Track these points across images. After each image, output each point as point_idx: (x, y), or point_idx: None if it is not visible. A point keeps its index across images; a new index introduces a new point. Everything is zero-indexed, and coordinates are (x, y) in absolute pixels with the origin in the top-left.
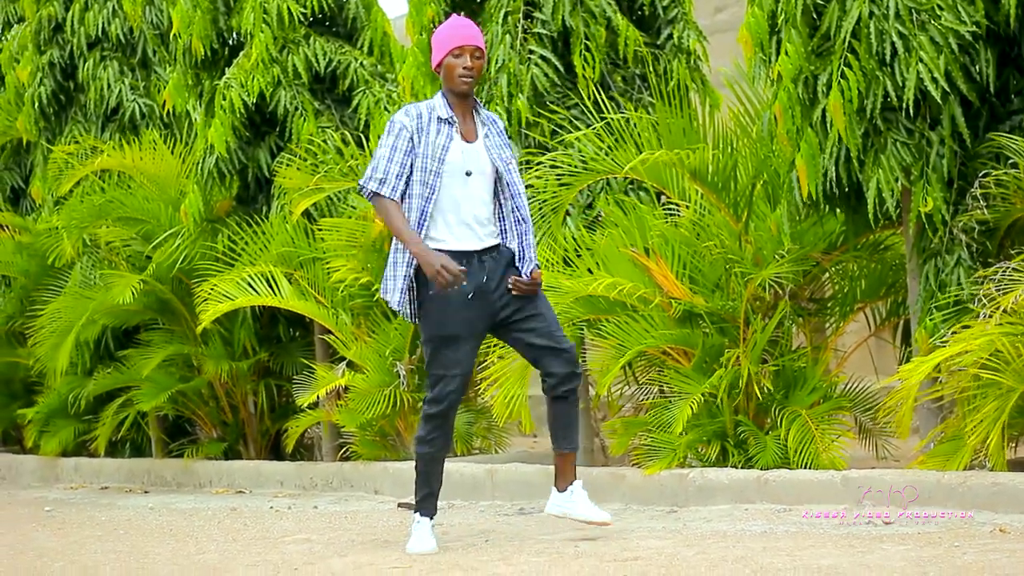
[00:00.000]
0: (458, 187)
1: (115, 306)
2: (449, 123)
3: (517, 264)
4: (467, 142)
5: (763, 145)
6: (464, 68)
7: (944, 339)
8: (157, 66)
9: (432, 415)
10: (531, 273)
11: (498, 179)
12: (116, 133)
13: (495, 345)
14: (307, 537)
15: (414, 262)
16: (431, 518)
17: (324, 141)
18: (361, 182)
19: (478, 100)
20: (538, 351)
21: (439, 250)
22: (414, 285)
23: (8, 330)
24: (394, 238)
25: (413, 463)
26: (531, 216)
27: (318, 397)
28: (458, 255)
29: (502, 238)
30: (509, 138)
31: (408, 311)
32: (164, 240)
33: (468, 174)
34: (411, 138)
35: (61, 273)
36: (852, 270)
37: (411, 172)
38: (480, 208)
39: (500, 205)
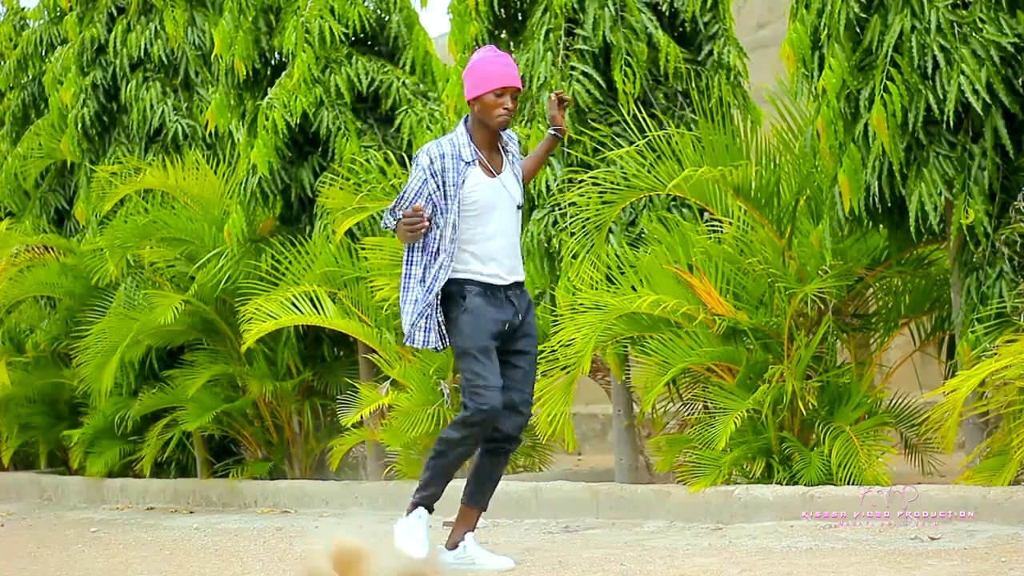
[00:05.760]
0: (484, 224)
1: (159, 326)
2: (470, 163)
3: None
4: (492, 176)
5: (806, 161)
6: (505, 109)
7: (987, 352)
8: (199, 87)
9: (474, 424)
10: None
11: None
12: (159, 154)
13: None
14: None
15: (433, 289)
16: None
17: (367, 160)
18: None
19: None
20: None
21: (469, 279)
22: (437, 311)
23: (53, 351)
24: (401, 282)
25: (433, 458)
26: (576, 231)
27: (362, 416)
28: (486, 287)
29: None
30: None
31: (434, 337)
32: (208, 260)
33: (496, 210)
34: (432, 179)
35: (105, 294)
36: (896, 285)
37: (435, 207)
38: (507, 241)
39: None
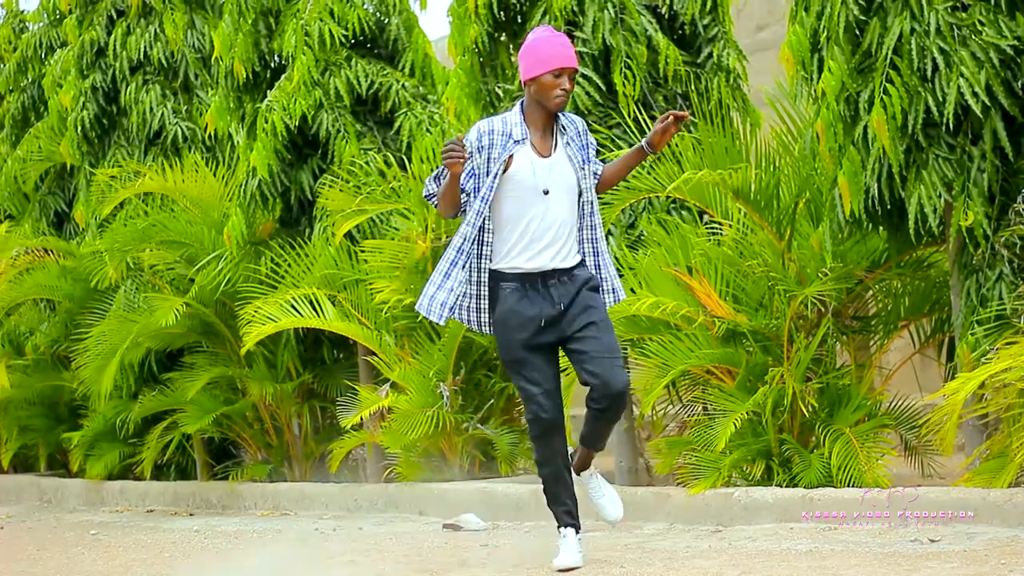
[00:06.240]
0: (526, 205)
1: (159, 329)
2: (519, 142)
3: (599, 290)
4: (542, 156)
5: (805, 163)
6: (563, 90)
7: (987, 355)
8: (199, 89)
9: (537, 436)
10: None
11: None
12: (159, 157)
13: None
14: (352, 559)
15: (457, 261)
16: (576, 530)
17: (366, 163)
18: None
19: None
20: (585, 371)
21: (506, 271)
22: (472, 289)
23: (53, 353)
24: (444, 259)
25: (543, 484)
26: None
27: (362, 418)
28: (522, 277)
29: (583, 258)
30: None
31: (464, 316)
32: (207, 263)
33: (546, 192)
34: (477, 153)
35: (105, 296)
36: (896, 287)
37: (475, 180)
38: (549, 226)
39: (580, 222)
